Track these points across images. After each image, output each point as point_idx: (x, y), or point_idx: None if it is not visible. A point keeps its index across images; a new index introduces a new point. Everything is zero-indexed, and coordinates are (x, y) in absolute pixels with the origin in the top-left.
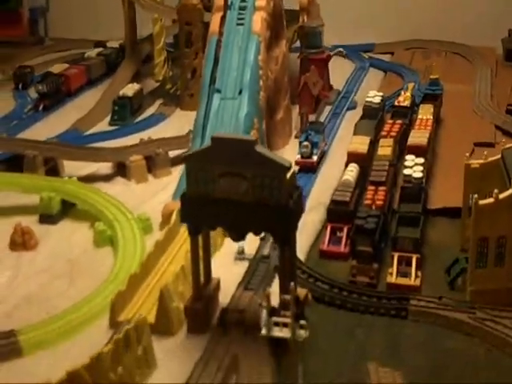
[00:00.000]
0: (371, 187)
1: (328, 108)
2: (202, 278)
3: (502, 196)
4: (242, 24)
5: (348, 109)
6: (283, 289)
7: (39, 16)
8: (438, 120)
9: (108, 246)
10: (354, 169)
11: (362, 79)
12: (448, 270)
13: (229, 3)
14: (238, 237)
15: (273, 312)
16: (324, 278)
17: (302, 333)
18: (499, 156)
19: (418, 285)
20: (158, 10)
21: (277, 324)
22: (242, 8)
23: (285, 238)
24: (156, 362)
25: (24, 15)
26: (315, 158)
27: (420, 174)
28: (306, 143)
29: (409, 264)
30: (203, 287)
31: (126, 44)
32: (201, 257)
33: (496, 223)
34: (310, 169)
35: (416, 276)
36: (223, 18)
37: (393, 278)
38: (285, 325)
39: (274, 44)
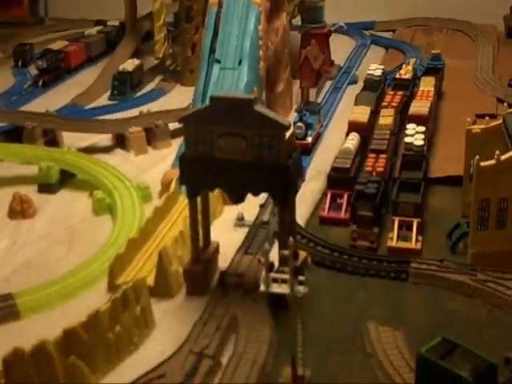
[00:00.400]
0: (372, 155)
1: (329, 83)
2: (201, 242)
3: (503, 158)
4: None
5: (349, 83)
6: (282, 246)
7: None
8: (439, 93)
9: (107, 214)
10: (354, 137)
11: (364, 55)
12: (449, 234)
13: None
14: (237, 198)
15: (271, 268)
16: (324, 243)
17: (301, 288)
18: (501, 121)
19: (419, 248)
20: None
21: (275, 280)
22: None
23: (284, 199)
24: (155, 323)
25: None
26: (309, 139)
27: (421, 142)
28: (299, 124)
29: (409, 229)
30: (202, 251)
31: (126, 22)
32: (200, 221)
33: (497, 185)
34: (303, 150)
35: (417, 240)
36: None
37: (393, 242)
38: (283, 281)
39: (274, 16)
